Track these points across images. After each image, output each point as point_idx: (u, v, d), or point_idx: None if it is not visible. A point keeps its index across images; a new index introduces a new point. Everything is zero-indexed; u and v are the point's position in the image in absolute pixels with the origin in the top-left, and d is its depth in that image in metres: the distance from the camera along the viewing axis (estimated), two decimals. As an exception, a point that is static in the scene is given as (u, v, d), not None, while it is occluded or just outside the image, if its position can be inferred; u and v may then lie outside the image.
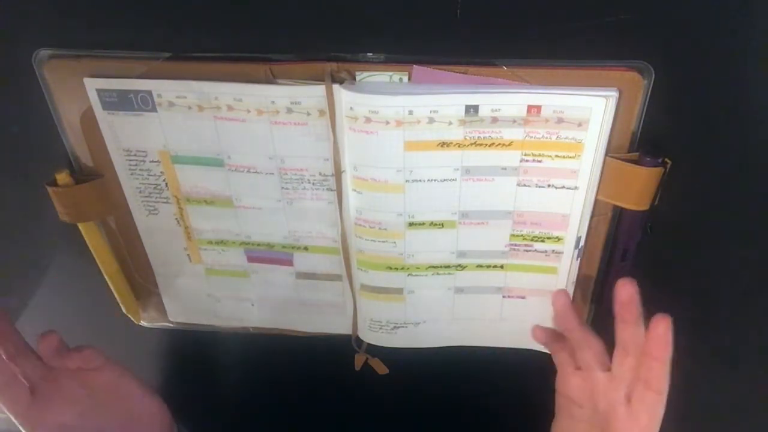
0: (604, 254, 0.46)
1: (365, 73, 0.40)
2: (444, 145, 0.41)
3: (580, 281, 0.48)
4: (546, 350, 0.52)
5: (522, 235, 0.45)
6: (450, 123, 0.40)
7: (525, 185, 0.43)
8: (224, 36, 0.40)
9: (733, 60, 0.37)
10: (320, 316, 0.53)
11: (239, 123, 0.42)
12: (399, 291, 0.49)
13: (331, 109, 0.40)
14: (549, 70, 0.38)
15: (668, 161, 0.40)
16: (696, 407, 0.56)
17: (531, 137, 0.40)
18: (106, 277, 0.51)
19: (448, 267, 0.47)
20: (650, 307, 0.50)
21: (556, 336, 0.46)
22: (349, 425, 0.62)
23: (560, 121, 0.39)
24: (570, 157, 0.41)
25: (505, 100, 0.39)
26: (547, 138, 0.40)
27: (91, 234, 0.48)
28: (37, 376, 0.42)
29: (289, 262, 0.50)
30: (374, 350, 0.54)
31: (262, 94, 0.40)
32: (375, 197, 0.44)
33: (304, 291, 0.52)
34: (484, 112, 0.39)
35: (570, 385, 0.44)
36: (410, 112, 0.39)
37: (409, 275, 0.48)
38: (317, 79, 0.40)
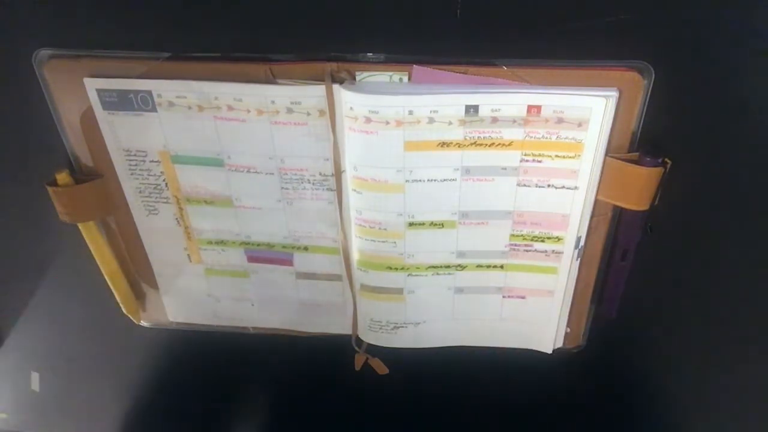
0: (604, 254, 0.46)
1: (365, 73, 0.40)
2: (444, 145, 0.41)
3: (580, 281, 0.48)
4: (546, 350, 0.52)
5: (522, 235, 0.45)
6: (450, 123, 0.40)
7: (525, 185, 0.43)
8: (224, 36, 0.40)
9: (733, 60, 0.37)
10: (320, 316, 0.53)
11: (239, 123, 0.42)
12: (399, 291, 0.49)
13: (331, 109, 0.40)
14: (549, 70, 0.38)
15: (668, 161, 0.40)
16: (696, 407, 0.56)
17: (531, 137, 0.40)
18: (106, 277, 0.51)
19: (448, 267, 0.47)
20: (650, 307, 0.50)
21: None
22: (349, 425, 0.62)
23: (560, 121, 0.39)
24: (570, 157, 0.41)
25: (505, 100, 0.39)
26: (547, 138, 0.40)
27: (91, 234, 0.49)
28: None
29: (289, 262, 0.50)
30: (374, 350, 0.54)
31: (262, 94, 0.40)
32: (375, 197, 0.44)
33: (304, 291, 0.52)
34: (484, 112, 0.39)
35: None
36: (410, 112, 0.39)
37: (409, 275, 0.48)
38: (317, 79, 0.40)
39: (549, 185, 0.42)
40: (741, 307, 0.48)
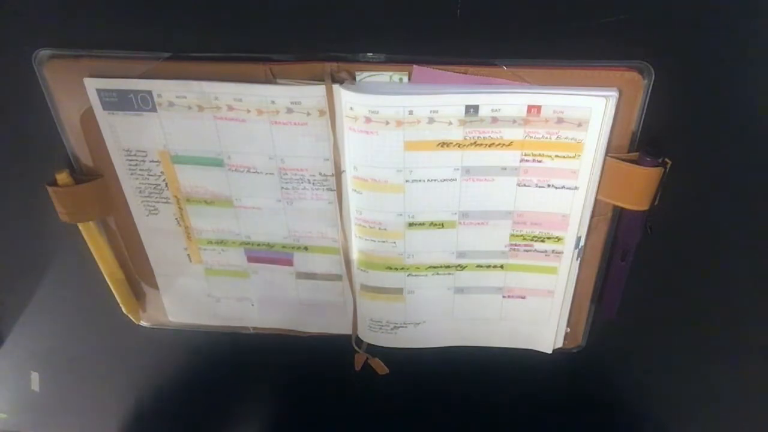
0: (604, 254, 0.46)
1: (365, 73, 0.40)
2: (444, 145, 0.41)
3: (580, 281, 0.48)
4: (546, 350, 0.52)
5: (522, 235, 0.45)
6: (450, 123, 0.40)
7: (525, 185, 0.43)
8: (224, 36, 0.40)
9: (733, 60, 0.37)
10: (320, 316, 0.53)
11: (239, 123, 0.42)
12: (399, 291, 0.49)
13: (331, 109, 0.40)
14: (549, 70, 0.38)
15: (668, 161, 0.40)
16: (696, 407, 0.56)
17: (531, 137, 0.40)
18: (106, 277, 0.51)
19: (448, 267, 0.47)
20: (650, 307, 0.50)
21: None
22: (349, 425, 0.62)
23: (560, 121, 0.39)
24: (570, 157, 0.41)
25: (505, 100, 0.39)
26: (547, 138, 0.40)
27: (91, 234, 0.49)
28: None
29: (289, 262, 0.50)
30: (374, 350, 0.54)
31: (262, 94, 0.40)
32: (375, 197, 0.44)
33: (304, 291, 0.52)
34: (484, 112, 0.39)
35: None
36: (410, 112, 0.39)
37: (408, 275, 0.48)
38: (317, 79, 0.40)
39: (549, 185, 0.42)
40: (741, 307, 0.48)
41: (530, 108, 0.39)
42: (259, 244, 0.49)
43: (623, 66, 0.37)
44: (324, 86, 0.39)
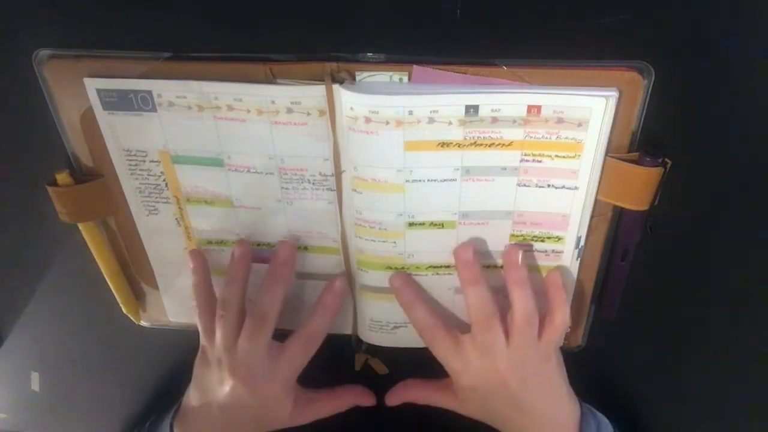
0: (604, 254, 0.46)
1: (365, 73, 0.40)
2: (444, 145, 0.41)
3: (580, 281, 0.48)
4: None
5: (522, 235, 0.45)
6: (450, 123, 0.40)
7: (525, 185, 0.43)
8: (224, 36, 0.40)
9: (733, 60, 0.37)
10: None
11: (239, 123, 0.42)
12: (399, 291, 0.49)
13: (331, 109, 0.40)
14: (549, 70, 0.38)
15: (668, 161, 0.40)
16: (696, 407, 0.56)
17: (531, 137, 0.40)
18: (106, 277, 0.51)
19: (448, 267, 0.47)
20: (650, 307, 0.50)
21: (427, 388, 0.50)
22: (349, 425, 0.62)
23: (560, 121, 0.39)
24: (570, 157, 0.41)
25: (505, 100, 0.39)
26: (547, 138, 0.40)
27: (91, 234, 0.49)
28: None
29: (289, 262, 0.50)
30: (374, 350, 0.54)
31: (262, 94, 0.40)
32: (375, 197, 0.44)
33: (304, 291, 0.52)
34: (484, 112, 0.39)
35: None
36: (410, 112, 0.39)
37: (408, 275, 0.48)
38: (317, 79, 0.40)
39: (549, 185, 0.42)
40: (741, 307, 0.48)
41: (530, 108, 0.39)
42: (259, 244, 0.49)
43: (623, 66, 0.37)
44: (324, 86, 0.39)
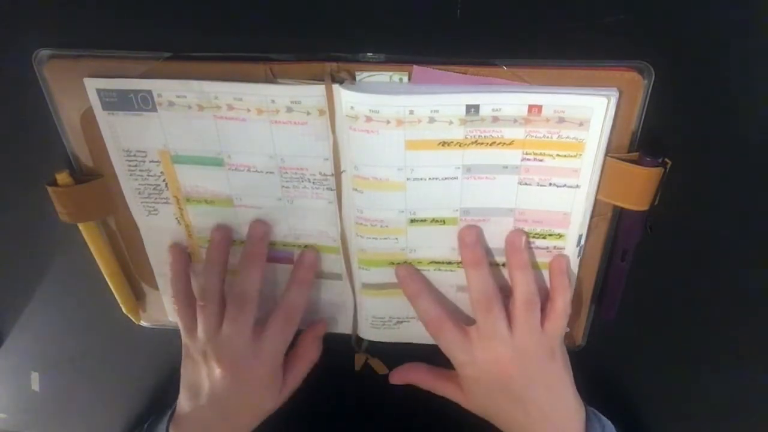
0: (604, 254, 0.46)
1: (365, 73, 0.40)
2: (445, 144, 0.41)
3: (580, 281, 0.48)
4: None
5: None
6: (451, 122, 0.40)
7: (526, 183, 0.43)
8: (224, 36, 0.40)
9: (733, 60, 0.37)
10: (320, 316, 0.53)
11: (239, 122, 0.42)
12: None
13: (330, 109, 0.40)
14: (549, 70, 0.38)
15: (668, 161, 0.40)
16: (696, 407, 0.56)
17: (532, 136, 0.40)
18: (106, 277, 0.51)
19: (449, 263, 0.47)
20: (650, 307, 0.50)
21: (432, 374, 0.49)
22: (349, 425, 0.62)
23: (561, 120, 0.39)
24: (571, 156, 0.41)
25: (506, 100, 0.39)
26: (548, 137, 0.40)
27: (91, 234, 0.48)
28: None
29: (289, 261, 0.50)
30: (374, 350, 0.54)
31: (262, 93, 0.40)
32: (376, 196, 0.44)
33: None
34: (484, 111, 0.39)
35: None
36: (411, 112, 0.39)
37: (414, 267, 0.48)
38: (317, 78, 0.40)
39: (550, 184, 0.42)
40: (741, 306, 0.48)
41: (531, 108, 0.39)
42: (259, 244, 0.49)
43: (623, 66, 0.37)
44: (324, 86, 0.39)
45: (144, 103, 0.42)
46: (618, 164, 0.40)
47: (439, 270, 0.48)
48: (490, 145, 0.41)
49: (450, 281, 0.49)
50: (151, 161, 0.45)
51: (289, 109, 0.41)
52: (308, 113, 0.41)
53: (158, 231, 0.49)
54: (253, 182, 0.45)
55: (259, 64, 0.40)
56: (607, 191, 0.42)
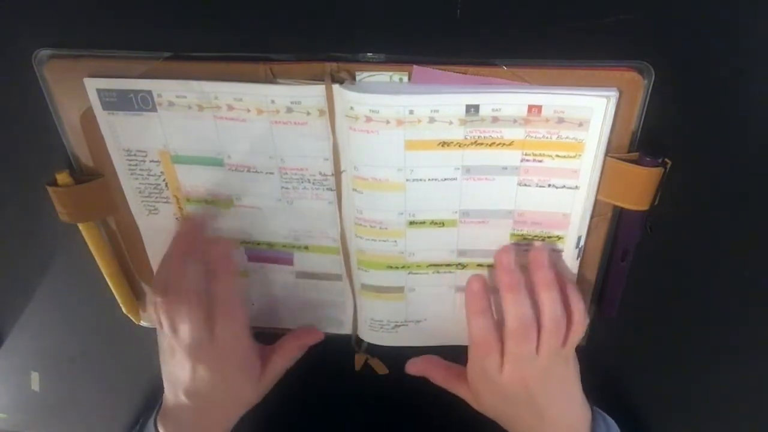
0: (604, 254, 0.46)
1: (365, 73, 0.40)
2: (445, 144, 0.41)
3: (580, 281, 0.48)
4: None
5: (522, 234, 0.45)
6: (450, 122, 0.40)
7: (525, 184, 0.43)
8: (224, 36, 0.40)
9: (733, 60, 0.37)
10: (320, 316, 0.53)
11: (239, 122, 0.42)
12: (400, 290, 0.49)
13: (330, 109, 0.40)
14: (549, 70, 0.38)
15: (668, 161, 0.40)
16: (696, 407, 0.56)
17: (532, 137, 0.40)
18: (106, 277, 0.51)
19: (449, 266, 0.47)
20: (650, 307, 0.50)
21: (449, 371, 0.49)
22: (349, 425, 0.62)
23: (561, 120, 0.39)
24: (571, 157, 0.41)
25: (506, 100, 0.39)
26: (547, 138, 0.40)
27: (91, 234, 0.48)
28: None
29: (289, 262, 0.50)
30: (374, 350, 0.54)
31: (262, 93, 0.40)
32: (375, 196, 0.44)
33: (304, 290, 0.52)
34: (484, 111, 0.39)
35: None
36: (411, 112, 0.39)
37: (409, 273, 0.48)
38: (317, 79, 0.40)
39: (550, 185, 0.42)
40: (741, 306, 0.48)
41: (531, 108, 0.39)
42: (259, 243, 0.49)
43: (623, 66, 0.37)
44: (324, 86, 0.39)
45: (144, 103, 0.42)
46: (618, 164, 0.40)
47: (438, 273, 0.48)
48: (490, 145, 0.41)
49: (448, 282, 0.49)
50: (151, 161, 0.45)
51: (289, 110, 0.41)
52: (308, 113, 0.41)
53: (158, 230, 0.49)
54: (253, 182, 0.45)
55: (259, 64, 0.40)
56: (607, 191, 0.42)
